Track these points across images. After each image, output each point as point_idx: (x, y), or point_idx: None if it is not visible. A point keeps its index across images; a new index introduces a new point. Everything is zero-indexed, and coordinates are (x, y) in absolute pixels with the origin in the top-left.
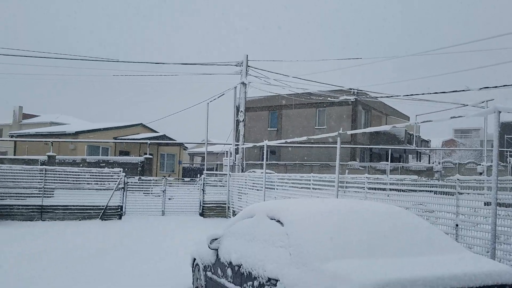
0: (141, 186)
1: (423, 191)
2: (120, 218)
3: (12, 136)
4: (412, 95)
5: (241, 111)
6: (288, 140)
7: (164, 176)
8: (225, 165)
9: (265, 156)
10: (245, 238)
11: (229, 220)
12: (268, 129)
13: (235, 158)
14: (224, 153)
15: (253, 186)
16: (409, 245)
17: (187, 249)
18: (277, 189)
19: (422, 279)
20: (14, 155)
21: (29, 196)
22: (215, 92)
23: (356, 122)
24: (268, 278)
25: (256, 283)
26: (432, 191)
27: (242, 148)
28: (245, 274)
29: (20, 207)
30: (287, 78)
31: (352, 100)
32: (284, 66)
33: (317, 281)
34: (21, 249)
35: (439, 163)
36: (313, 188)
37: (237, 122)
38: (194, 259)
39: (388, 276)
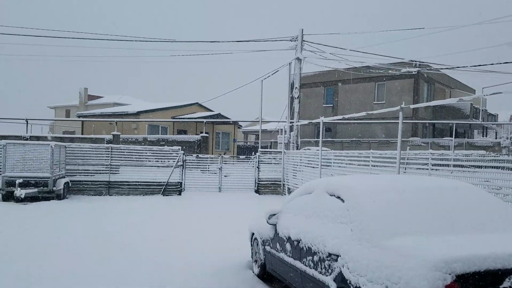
0: (198, 164)
1: (491, 167)
2: (179, 194)
3: (79, 117)
4: (479, 65)
5: (296, 87)
6: (346, 116)
7: (220, 154)
8: (279, 143)
9: (321, 133)
10: (303, 214)
11: (287, 197)
12: (324, 105)
13: (290, 135)
14: (278, 131)
15: (308, 163)
16: (477, 221)
17: (244, 224)
18: (333, 166)
19: (492, 256)
20: (82, 134)
21: (97, 173)
22: (269, 69)
23: (418, 96)
24: (329, 253)
25: (316, 258)
26: (500, 167)
27: (297, 125)
28: (305, 249)
29: (90, 182)
30: (344, 52)
31: (414, 72)
32: (341, 39)
33: (381, 257)
34: (103, 219)
35: (507, 138)
36: (372, 166)
37: (292, 99)
38: (253, 233)
39: (455, 253)
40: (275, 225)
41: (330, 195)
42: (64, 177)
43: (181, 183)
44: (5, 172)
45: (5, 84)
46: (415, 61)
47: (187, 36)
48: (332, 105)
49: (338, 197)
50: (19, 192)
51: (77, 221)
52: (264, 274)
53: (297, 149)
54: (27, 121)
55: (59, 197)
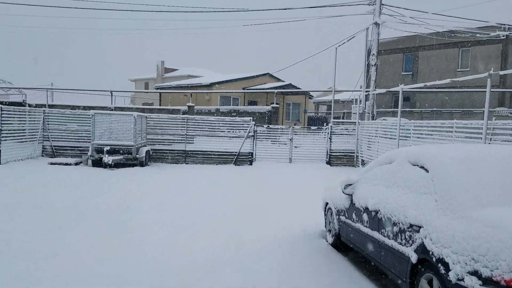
0: (269, 135)
1: None
2: (251, 164)
3: (157, 89)
4: None
5: (373, 54)
6: (428, 84)
7: (290, 125)
8: (353, 113)
9: (400, 101)
10: (383, 184)
11: (361, 168)
12: (402, 73)
13: (365, 105)
14: (352, 100)
15: (384, 134)
16: None
17: (316, 194)
18: (412, 137)
19: None
20: (160, 105)
21: (174, 142)
22: (343, 37)
23: (507, 63)
24: (410, 224)
25: (395, 228)
26: None
27: (373, 94)
28: (383, 219)
29: (168, 151)
30: (425, 15)
31: (502, 37)
32: (422, 2)
33: (467, 228)
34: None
35: None
36: (456, 137)
37: (368, 66)
38: (326, 203)
39: None
40: (351, 195)
41: (413, 165)
42: (145, 146)
43: (252, 153)
44: (94, 140)
45: (89, 58)
46: (504, 24)
47: (258, 5)
48: (411, 72)
49: (422, 167)
50: (107, 159)
51: (161, 183)
52: (337, 244)
53: (372, 119)
54: (111, 93)
55: (141, 164)
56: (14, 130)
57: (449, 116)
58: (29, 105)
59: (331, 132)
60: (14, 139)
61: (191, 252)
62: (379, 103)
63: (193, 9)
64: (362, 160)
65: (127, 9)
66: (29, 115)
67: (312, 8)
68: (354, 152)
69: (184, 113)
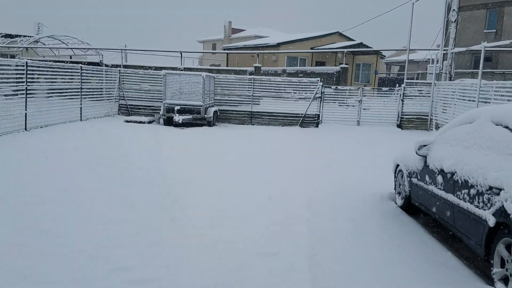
0: (337, 96)
1: None
2: (317, 126)
3: (224, 49)
4: None
5: (454, 9)
6: None
7: (360, 87)
8: (429, 73)
9: (481, 61)
10: (461, 145)
11: (434, 132)
12: (484, 31)
13: (442, 65)
14: (427, 60)
15: (462, 96)
16: None
17: (386, 156)
18: (493, 100)
19: None
20: (227, 66)
21: (241, 103)
22: None
23: None
24: (490, 186)
25: (472, 191)
26: None
27: (452, 53)
28: (460, 181)
29: (234, 112)
30: None
31: None
32: None
33: None
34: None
35: None
36: None
37: (447, 23)
38: (397, 165)
39: None
40: (425, 156)
41: (496, 125)
42: (213, 106)
43: (318, 115)
44: (166, 100)
45: (159, 19)
46: None
47: None
48: (494, 30)
49: (506, 127)
50: (177, 118)
51: (230, 141)
52: (408, 206)
53: (450, 80)
54: (181, 54)
55: (209, 123)
56: (93, 89)
57: None
58: (106, 65)
59: (403, 93)
60: (93, 98)
61: (268, 209)
62: (457, 64)
63: None
64: (436, 124)
65: None
66: (105, 74)
67: None
68: (427, 115)
69: (250, 74)
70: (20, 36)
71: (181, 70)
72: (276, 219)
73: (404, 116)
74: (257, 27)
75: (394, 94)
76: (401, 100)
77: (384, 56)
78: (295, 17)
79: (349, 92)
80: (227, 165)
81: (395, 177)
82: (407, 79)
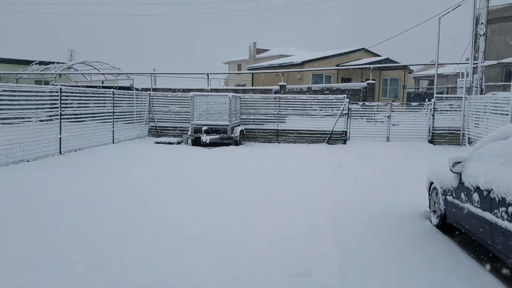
0: (364, 112)
1: None
2: (344, 142)
3: (249, 69)
4: None
5: (482, 23)
6: None
7: (388, 102)
8: (459, 87)
9: None
10: (497, 161)
11: (472, 145)
12: None
13: (472, 78)
14: (456, 74)
15: (495, 110)
16: None
17: (419, 173)
18: None
19: None
20: (252, 86)
21: (267, 122)
22: (444, 6)
23: None
24: None
25: (510, 209)
26: None
27: (482, 66)
28: (497, 199)
29: (260, 130)
30: None
31: None
32: None
33: None
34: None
35: None
36: None
37: (476, 36)
38: (431, 182)
39: None
40: (460, 173)
41: None
42: (239, 125)
43: (345, 132)
44: (194, 121)
45: (185, 42)
46: None
47: None
48: None
49: None
50: (205, 138)
51: (255, 161)
52: (443, 225)
53: (481, 94)
54: (208, 75)
55: (236, 143)
56: (124, 112)
57: None
58: (136, 89)
59: (433, 108)
60: (125, 121)
61: (296, 222)
62: (488, 77)
63: None
64: (469, 138)
65: None
66: (136, 98)
67: None
68: (459, 130)
69: (275, 92)
70: (53, 63)
71: (208, 91)
72: (315, 237)
73: (435, 131)
74: (282, 46)
75: (424, 109)
76: (432, 115)
77: (412, 70)
78: (319, 36)
79: (377, 108)
80: (258, 186)
81: (429, 195)
82: (437, 93)
